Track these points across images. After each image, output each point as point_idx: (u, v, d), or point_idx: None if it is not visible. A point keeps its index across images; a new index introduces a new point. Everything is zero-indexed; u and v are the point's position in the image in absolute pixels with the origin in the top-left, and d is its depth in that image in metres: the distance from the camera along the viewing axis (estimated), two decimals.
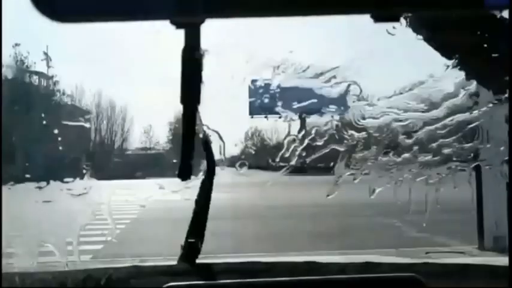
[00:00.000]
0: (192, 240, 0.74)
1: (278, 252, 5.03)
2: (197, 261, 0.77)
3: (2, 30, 0.58)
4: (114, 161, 38.51)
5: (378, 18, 0.39)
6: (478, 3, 0.38)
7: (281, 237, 7.24)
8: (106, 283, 0.66)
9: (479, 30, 0.55)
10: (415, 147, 1.84)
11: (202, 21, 0.38)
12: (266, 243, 6.37)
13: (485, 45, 0.56)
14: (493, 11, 0.39)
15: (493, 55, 0.57)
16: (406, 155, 1.79)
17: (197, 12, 0.38)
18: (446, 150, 1.69)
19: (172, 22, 0.38)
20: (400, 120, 1.75)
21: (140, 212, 9.89)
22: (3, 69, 32.94)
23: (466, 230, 5.55)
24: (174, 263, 0.76)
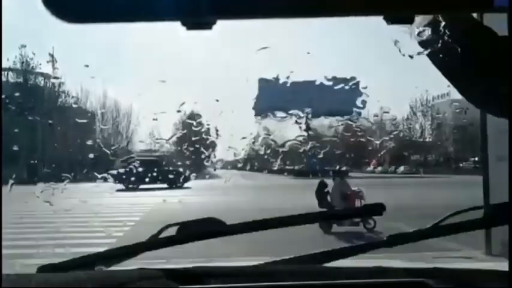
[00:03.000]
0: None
1: (284, 256, 5.02)
2: (203, 264, 0.77)
3: (1, 31, 0.58)
4: (118, 163, 38.67)
5: (390, 20, 0.39)
6: (488, 4, 0.38)
7: None
8: (111, 285, 0.66)
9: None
10: None
11: (214, 22, 0.38)
12: None
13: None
14: (502, 12, 0.39)
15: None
16: None
17: (208, 13, 0.37)
18: None
19: (183, 23, 0.38)
20: None
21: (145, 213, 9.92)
22: (9, 71, 33.36)
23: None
24: (179, 266, 0.76)
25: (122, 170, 19.14)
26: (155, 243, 0.78)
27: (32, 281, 0.65)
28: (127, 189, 17.51)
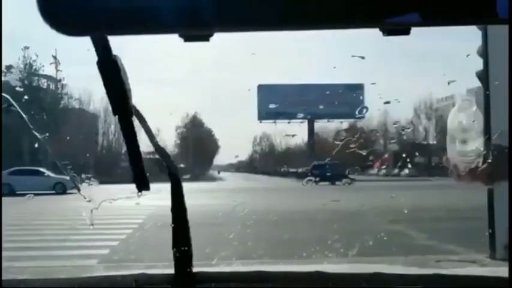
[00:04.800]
0: (181, 248, 0.73)
1: (285, 260, 5.00)
2: (204, 269, 0.77)
3: (1, 32, 0.59)
4: (121, 166, 38.76)
5: (387, 31, 0.39)
6: (492, 15, 0.38)
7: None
8: None
9: None
10: None
11: (211, 34, 0.38)
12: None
13: None
14: (506, 24, 0.39)
15: None
16: None
17: (206, 25, 0.38)
18: None
19: (181, 35, 0.38)
20: None
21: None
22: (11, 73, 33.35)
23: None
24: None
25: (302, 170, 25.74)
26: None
27: (31, 285, 0.65)
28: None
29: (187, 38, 0.38)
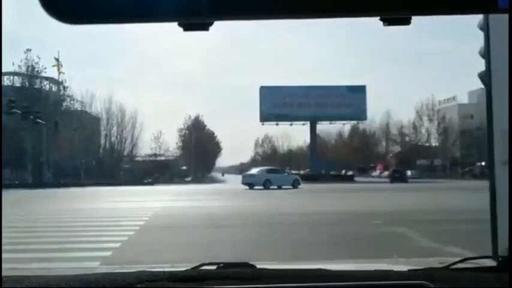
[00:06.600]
0: None
1: (287, 260, 4.99)
2: (206, 267, 0.77)
3: (1, 33, 0.59)
4: (123, 168, 38.78)
5: (387, 21, 0.38)
6: (492, 5, 0.38)
7: None
8: (114, 287, 0.66)
9: None
10: None
11: (210, 24, 0.38)
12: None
13: None
14: (505, 13, 0.39)
15: None
16: None
17: (205, 14, 0.37)
18: None
19: (180, 24, 0.38)
20: None
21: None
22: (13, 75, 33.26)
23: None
24: (182, 268, 0.76)
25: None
26: (189, 275, 0.74)
27: (32, 282, 0.65)
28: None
29: (187, 27, 0.38)
